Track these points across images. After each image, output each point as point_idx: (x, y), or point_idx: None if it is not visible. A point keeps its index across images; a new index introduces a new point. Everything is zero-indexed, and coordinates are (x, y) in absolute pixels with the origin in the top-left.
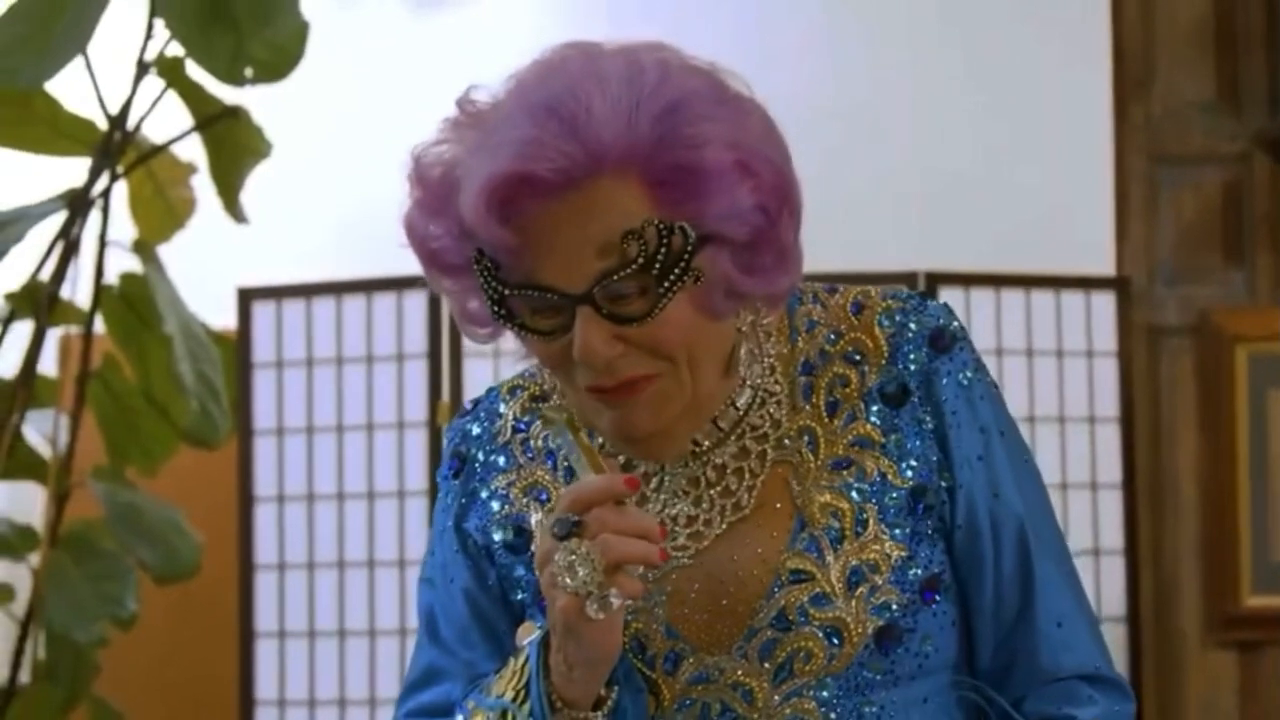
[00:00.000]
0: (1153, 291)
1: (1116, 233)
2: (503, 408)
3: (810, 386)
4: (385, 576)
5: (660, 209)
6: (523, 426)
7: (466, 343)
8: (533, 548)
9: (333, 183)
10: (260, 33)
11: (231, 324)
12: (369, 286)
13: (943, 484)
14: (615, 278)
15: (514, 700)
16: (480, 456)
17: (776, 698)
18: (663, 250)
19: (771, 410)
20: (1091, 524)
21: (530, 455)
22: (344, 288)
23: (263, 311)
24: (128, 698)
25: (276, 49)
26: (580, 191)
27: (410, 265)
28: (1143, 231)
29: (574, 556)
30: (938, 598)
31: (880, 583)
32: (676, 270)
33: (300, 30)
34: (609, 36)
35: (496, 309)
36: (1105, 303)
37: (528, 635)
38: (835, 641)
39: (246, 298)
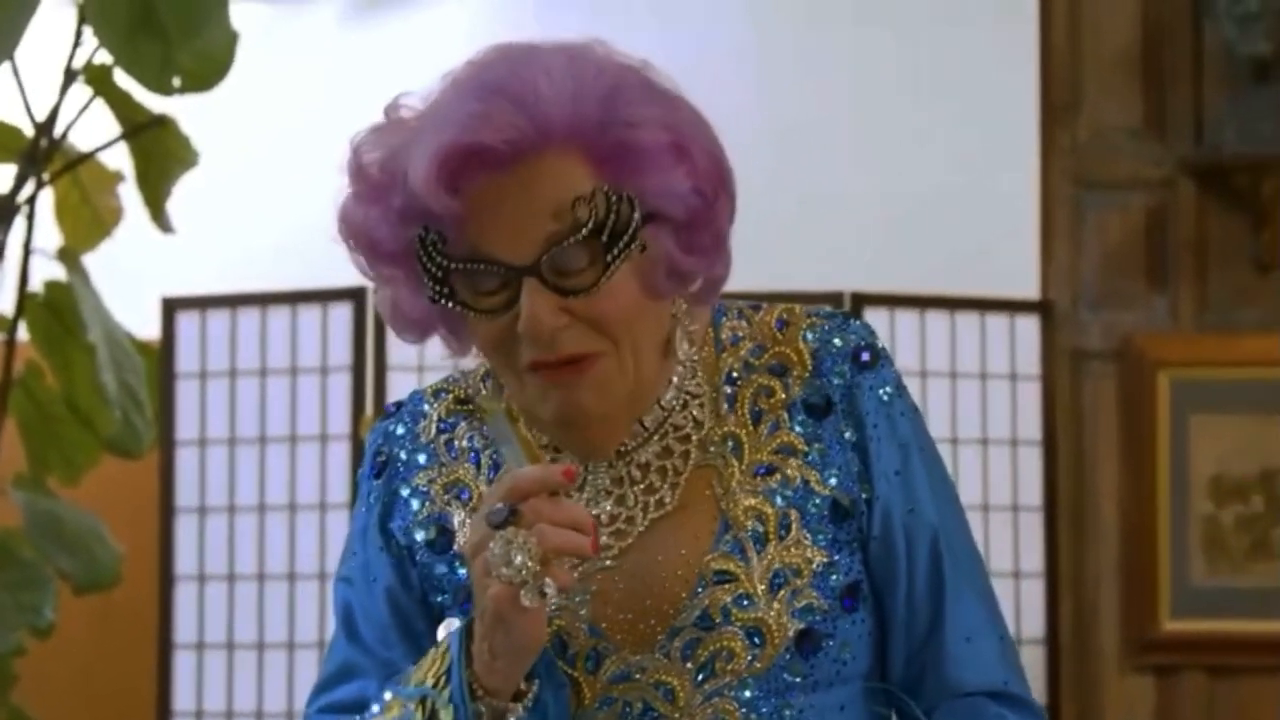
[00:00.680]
0: (1076, 316)
1: (1041, 256)
2: (427, 408)
3: (734, 397)
4: (305, 589)
5: (602, 183)
6: (447, 427)
7: (391, 356)
8: (455, 547)
9: (260, 194)
10: (189, 42)
11: (156, 334)
12: (294, 298)
13: (863, 495)
14: (564, 243)
15: (434, 686)
16: (402, 455)
17: (698, 697)
18: (612, 216)
19: (694, 412)
20: (1012, 546)
21: (454, 455)
22: (269, 299)
23: (187, 322)
24: (46, 708)
25: (205, 58)
26: (527, 165)
27: (336, 278)
28: (1067, 256)
29: (511, 545)
30: (857, 606)
31: (802, 586)
32: (624, 239)
33: (229, 40)
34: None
35: (438, 288)
36: (1029, 326)
37: (449, 631)
38: (757, 642)
39: (171, 307)
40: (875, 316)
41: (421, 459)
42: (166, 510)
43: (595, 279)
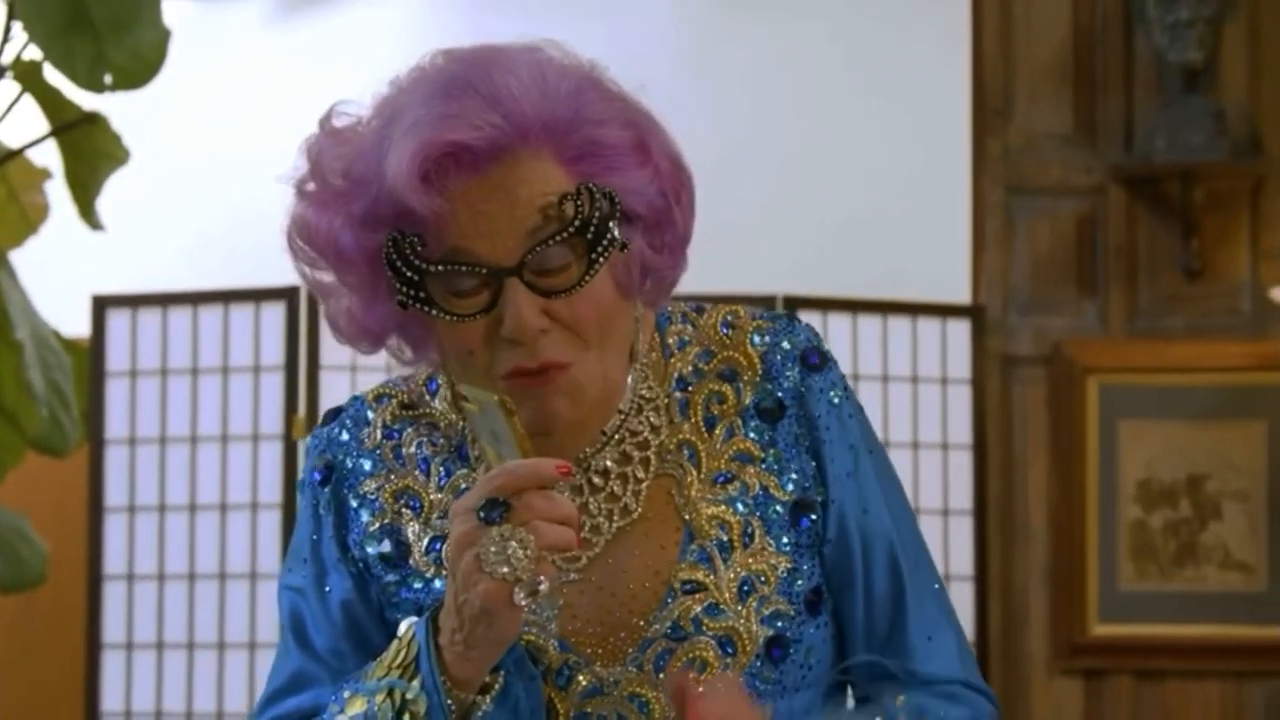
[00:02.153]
0: (1007, 321)
1: (973, 262)
2: (370, 414)
3: (686, 403)
4: (236, 589)
5: (575, 183)
6: (393, 434)
7: (324, 355)
8: (411, 562)
9: (190, 192)
10: (121, 40)
11: (85, 332)
12: (226, 297)
13: (818, 498)
14: (549, 242)
15: (401, 676)
16: (348, 463)
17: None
18: (597, 213)
19: (650, 417)
20: (942, 550)
21: (401, 461)
22: (201, 298)
23: (117, 320)
24: None
25: (137, 56)
26: (503, 165)
27: (268, 277)
28: (998, 261)
29: (507, 542)
30: (820, 610)
31: (769, 593)
32: (608, 236)
33: (161, 38)
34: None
35: (411, 292)
36: (960, 331)
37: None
38: (729, 651)
39: (101, 306)
40: (808, 320)
41: (367, 465)
42: (96, 509)
43: (579, 278)
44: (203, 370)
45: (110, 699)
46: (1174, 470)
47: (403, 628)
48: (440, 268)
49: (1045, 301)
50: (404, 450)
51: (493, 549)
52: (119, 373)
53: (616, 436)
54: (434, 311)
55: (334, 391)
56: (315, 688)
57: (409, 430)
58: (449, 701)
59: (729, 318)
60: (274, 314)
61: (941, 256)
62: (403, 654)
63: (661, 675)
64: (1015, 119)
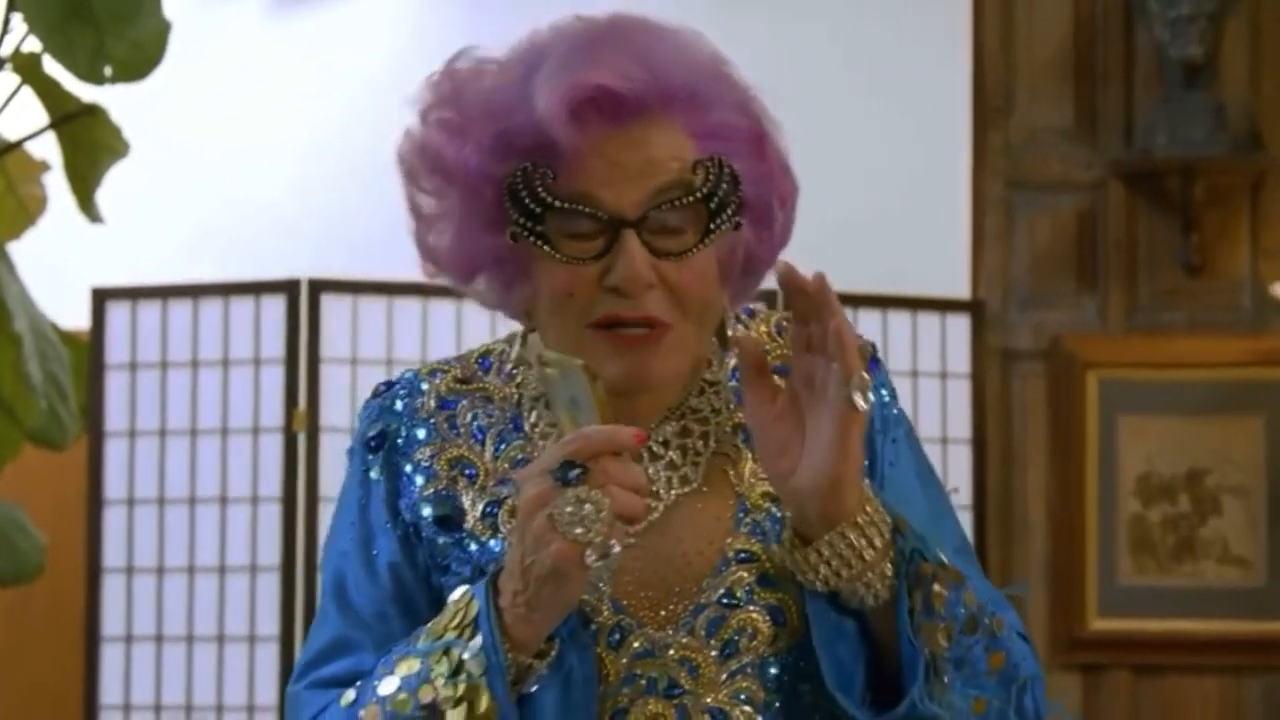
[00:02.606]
0: (1006, 316)
1: (972, 257)
2: (425, 385)
3: (741, 391)
4: (236, 582)
5: (693, 155)
6: (448, 404)
7: (325, 348)
8: (466, 525)
9: (190, 184)
10: (121, 31)
11: (85, 324)
12: (226, 290)
13: (864, 481)
14: (673, 203)
15: (459, 636)
16: (402, 432)
17: (723, 674)
18: (722, 187)
19: (711, 399)
20: None
21: (456, 431)
22: (201, 290)
23: (117, 312)
24: None
25: (137, 48)
26: (642, 122)
27: (268, 269)
28: (998, 256)
29: (583, 504)
30: None
31: None
32: (729, 211)
33: (162, 30)
34: (463, 45)
35: (528, 224)
36: (960, 326)
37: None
38: (779, 621)
39: (101, 298)
40: None
41: (421, 434)
42: (95, 502)
43: (693, 244)
44: (203, 363)
45: (109, 692)
46: (1173, 465)
47: (456, 594)
48: (565, 205)
49: (1045, 296)
50: (458, 420)
51: (568, 509)
52: (118, 365)
53: (679, 411)
54: (546, 248)
55: (335, 385)
56: (356, 653)
57: (464, 402)
58: (507, 661)
59: (781, 322)
60: (275, 307)
61: (941, 252)
62: (460, 615)
63: (712, 641)
64: (1016, 114)
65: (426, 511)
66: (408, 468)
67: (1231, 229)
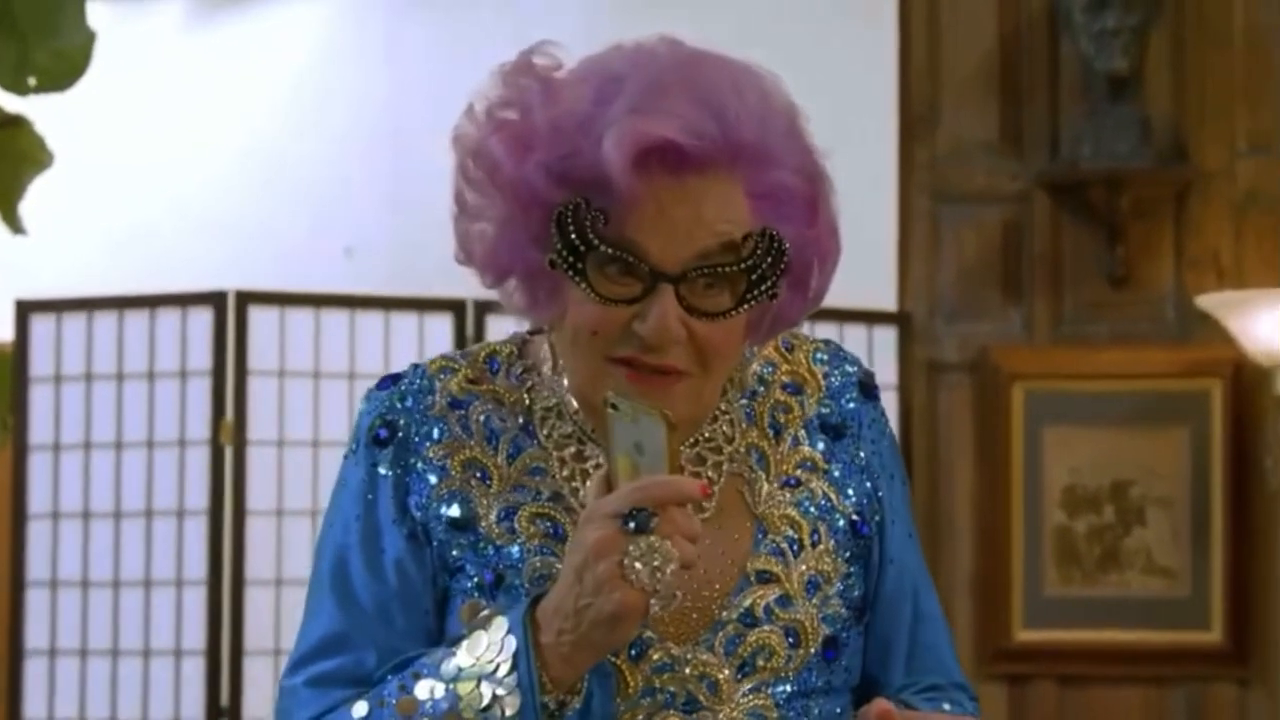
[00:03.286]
0: (933, 327)
1: (899, 269)
2: (436, 383)
3: (752, 411)
4: (162, 596)
5: (754, 219)
6: (460, 405)
7: (252, 360)
8: (482, 528)
9: (113, 196)
10: (45, 42)
11: (8, 337)
12: (152, 302)
13: (875, 518)
14: (720, 269)
15: (493, 672)
16: (412, 428)
17: (739, 691)
18: (769, 260)
19: (724, 427)
20: None
21: (468, 432)
22: (126, 302)
23: (41, 325)
24: None
25: (61, 58)
26: (702, 178)
27: (193, 282)
28: (924, 268)
29: (654, 553)
30: (862, 620)
31: (830, 594)
32: (768, 284)
33: (86, 41)
34: (386, 55)
35: (570, 259)
36: (887, 338)
37: (472, 614)
38: (793, 642)
39: (24, 310)
40: None
41: (434, 433)
42: (19, 515)
43: (726, 309)
44: (128, 376)
45: (33, 706)
46: (1098, 476)
47: (466, 614)
48: (610, 250)
49: (971, 308)
50: (471, 422)
51: (638, 559)
52: (42, 378)
53: (692, 439)
54: (583, 285)
55: (262, 397)
56: (355, 650)
57: (476, 403)
58: (545, 700)
59: (788, 338)
60: (201, 318)
61: (868, 264)
62: (493, 648)
63: (731, 658)
64: (941, 127)
65: (442, 511)
66: (419, 465)
67: (1156, 241)
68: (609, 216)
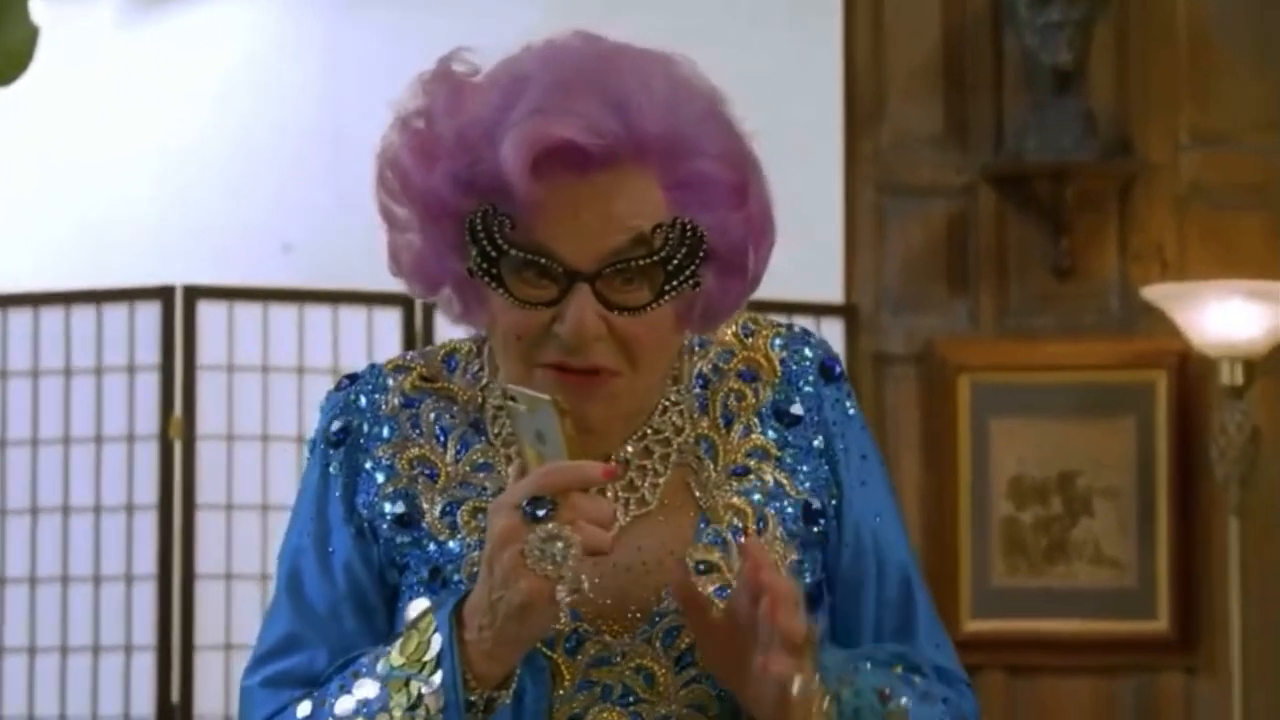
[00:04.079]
0: (879, 319)
1: (845, 261)
2: (390, 382)
3: (706, 400)
4: (111, 592)
5: (671, 210)
6: (411, 403)
7: (200, 355)
8: (425, 524)
9: (53, 192)
10: None
11: None
12: (99, 297)
13: (832, 501)
14: (629, 262)
15: (420, 670)
16: (365, 428)
17: (678, 683)
18: (684, 249)
19: (674, 418)
20: None
21: (418, 430)
22: (73, 297)
23: None
24: None
25: (5, 55)
26: (609, 174)
27: (136, 276)
28: (870, 261)
29: (554, 541)
30: (819, 606)
31: None
32: (687, 273)
33: (30, 35)
34: (325, 51)
35: (484, 266)
36: (834, 330)
37: (419, 612)
38: None
39: None
40: None
41: (384, 432)
42: None
43: (646, 303)
44: (75, 371)
45: None
46: (1045, 467)
47: (412, 611)
48: (520, 254)
49: (917, 300)
50: (421, 420)
51: (538, 546)
52: None
53: (639, 432)
54: (500, 291)
55: (211, 391)
56: (308, 650)
57: (428, 401)
58: (471, 698)
59: (748, 323)
60: (149, 313)
61: (815, 256)
62: (421, 648)
63: (669, 650)
64: (886, 120)
65: (387, 508)
66: (368, 464)
67: (1100, 233)
68: (516, 221)
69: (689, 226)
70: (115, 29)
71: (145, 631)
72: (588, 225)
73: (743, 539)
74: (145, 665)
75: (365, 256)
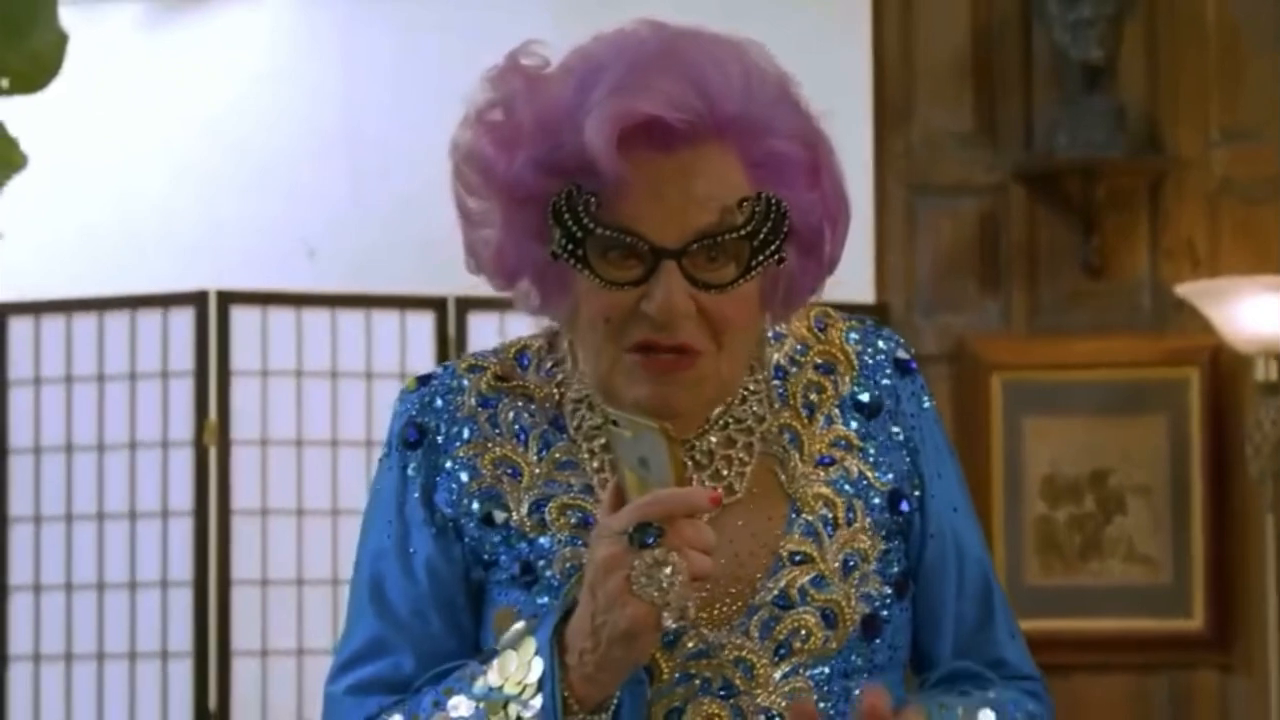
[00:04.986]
0: (911, 319)
1: (876, 260)
2: (465, 382)
3: (785, 391)
4: (147, 598)
5: (754, 189)
6: (488, 403)
7: (235, 360)
8: (513, 523)
9: (71, 198)
10: (17, 44)
11: None
12: (133, 303)
13: (915, 492)
14: (716, 238)
15: (520, 694)
16: (442, 429)
17: (777, 674)
18: (769, 224)
19: (754, 406)
20: None
21: (498, 430)
22: (106, 304)
23: (20, 327)
24: None
25: (34, 60)
26: (693, 151)
27: (163, 282)
28: (901, 260)
29: (661, 567)
30: (906, 595)
31: (868, 572)
32: (773, 248)
33: (59, 41)
34: (339, 58)
35: (569, 247)
36: None
37: (506, 622)
38: (830, 623)
39: (2, 313)
40: None
41: (464, 433)
42: (0, 520)
43: (734, 278)
44: (109, 377)
45: (18, 713)
46: (1078, 465)
47: (516, 633)
48: (607, 233)
49: (948, 299)
50: (500, 419)
51: (644, 573)
52: (22, 381)
53: (721, 421)
54: (586, 272)
55: (245, 397)
56: (393, 654)
57: (505, 400)
58: None
59: (821, 317)
60: (182, 319)
61: (846, 255)
62: (522, 669)
63: (766, 642)
64: (916, 118)
65: (474, 507)
66: (449, 464)
67: (1131, 231)
68: (602, 200)
69: (774, 201)
70: (136, 34)
71: (182, 638)
72: (673, 202)
73: (862, 692)
74: (182, 672)
75: (385, 259)
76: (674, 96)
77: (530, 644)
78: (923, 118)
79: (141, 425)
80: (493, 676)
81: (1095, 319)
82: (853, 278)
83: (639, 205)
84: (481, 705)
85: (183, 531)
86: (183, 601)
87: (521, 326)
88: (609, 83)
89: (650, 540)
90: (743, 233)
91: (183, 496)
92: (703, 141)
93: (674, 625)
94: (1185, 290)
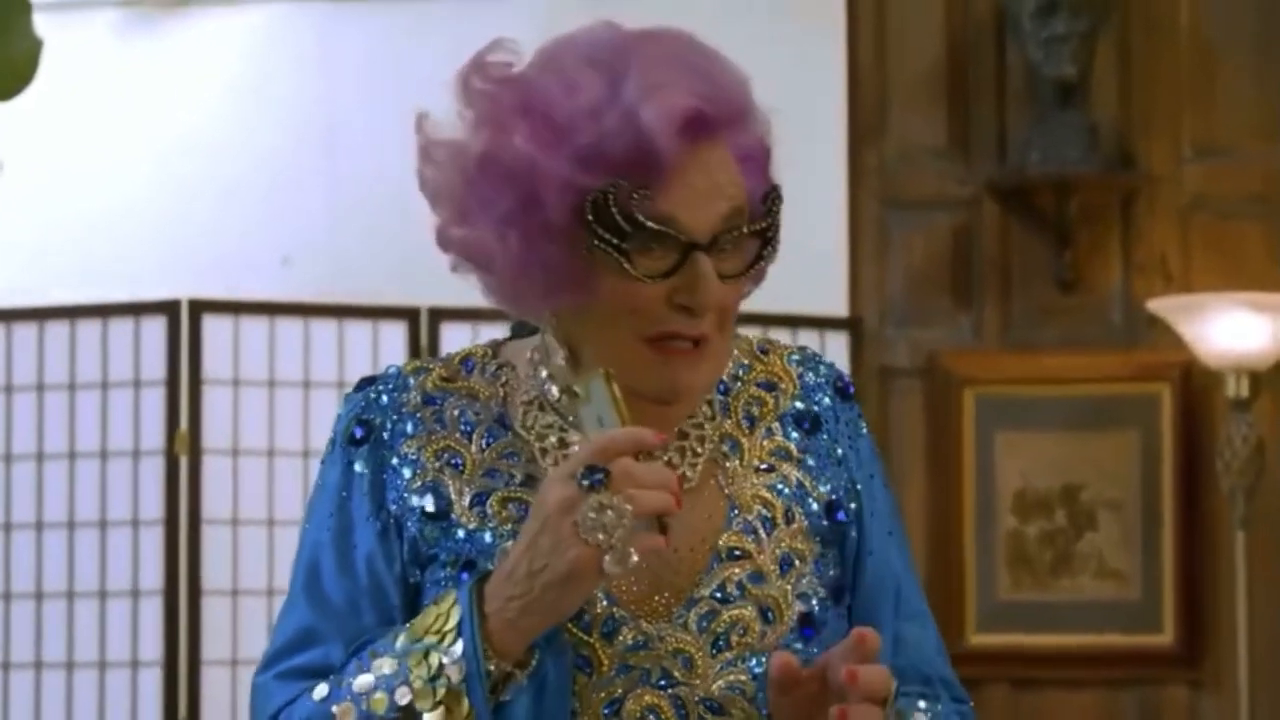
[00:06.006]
0: (884, 333)
1: (850, 274)
2: (410, 382)
3: (727, 404)
4: (117, 607)
5: (742, 181)
6: (434, 400)
7: (206, 370)
8: (454, 515)
9: (44, 204)
10: None
11: None
12: (105, 311)
13: (852, 505)
14: (744, 230)
15: (440, 641)
16: (388, 425)
17: (715, 666)
18: (777, 215)
19: (704, 406)
20: None
21: (442, 425)
22: (78, 312)
23: None
24: None
25: (8, 67)
26: (710, 144)
27: (136, 287)
28: (875, 274)
29: (606, 510)
30: (840, 602)
31: (806, 572)
32: (776, 240)
33: (33, 48)
34: (316, 66)
35: (615, 242)
36: (839, 343)
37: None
38: (769, 619)
39: None
40: None
41: (408, 427)
42: None
43: (744, 269)
44: (80, 385)
45: None
46: (1049, 480)
47: (437, 598)
48: (654, 226)
49: (921, 313)
50: (445, 415)
51: (590, 515)
52: None
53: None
54: (626, 264)
55: (217, 406)
56: (324, 644)
57: (450, 399)
58: (489, 668)
59: (762, 344)
60: (154, 327)
61: (818, 269)
62: (441, 619)
63: (704, 635)
64: (890, 132)
65: (415, 503)
66: (394, 460)
67: (1104, 246)
68: (651, 194)
69: (780, 195)
70: (111, 41)
71: (152, 647)
72: (701, 194)
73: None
74: (152, 681)
75: (361, 268)
76: (703, 91)
77: (450, 595)
78: (896, 132)
79: (113, 434)
80: (414, 631)
81: (1067, 334)
82: (825, 291)
83: (674, 198)
84: (403, 659)
85: (153, 540)
86: (153, 610)
87: (496, 336)
88: (639, 77)
89: (597, 481)
90: (763, 225)
91: (154, 505)
92: (718, 135)
93: (614, 569)
94: (1157, 306)
